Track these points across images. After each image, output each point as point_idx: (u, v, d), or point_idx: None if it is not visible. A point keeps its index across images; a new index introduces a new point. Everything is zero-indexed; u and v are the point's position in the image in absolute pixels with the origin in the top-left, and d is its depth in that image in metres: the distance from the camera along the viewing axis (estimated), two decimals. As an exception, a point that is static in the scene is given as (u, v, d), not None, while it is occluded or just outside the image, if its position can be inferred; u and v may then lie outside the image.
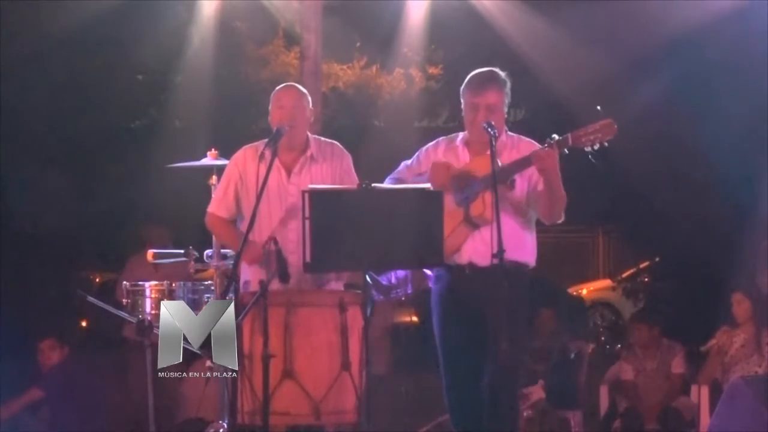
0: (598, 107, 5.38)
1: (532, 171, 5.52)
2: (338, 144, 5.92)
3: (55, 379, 8.30)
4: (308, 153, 5.78)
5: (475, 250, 5.54)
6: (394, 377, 9.33)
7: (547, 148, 5.39)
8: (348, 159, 5.86)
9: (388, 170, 5.88)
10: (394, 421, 8.12)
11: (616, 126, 5.34)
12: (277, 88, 5.94)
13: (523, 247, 5.63)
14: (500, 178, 5.39)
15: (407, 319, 10.70)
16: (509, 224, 5.51)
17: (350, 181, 5.72)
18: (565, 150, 5.38)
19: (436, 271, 5.76)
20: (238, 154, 5.88)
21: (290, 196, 5.70)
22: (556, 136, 5.41)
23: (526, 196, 5.61)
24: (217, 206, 5.86)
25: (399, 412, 8.52)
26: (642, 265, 15.76)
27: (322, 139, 5.94)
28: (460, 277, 5.60)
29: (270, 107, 5.84)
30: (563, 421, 8.58)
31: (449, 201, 5.54)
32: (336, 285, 5.75)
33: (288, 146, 5.72)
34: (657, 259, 15.21)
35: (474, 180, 5.55)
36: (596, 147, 5.37)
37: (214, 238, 6.15)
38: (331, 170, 5.79)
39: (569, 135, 5.38)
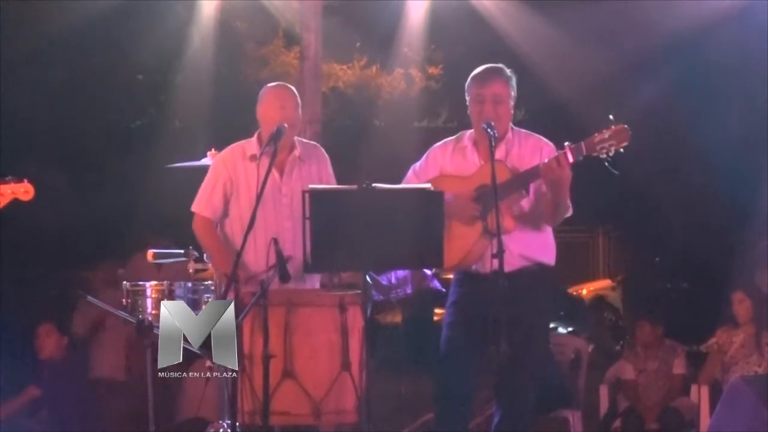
0: (611, 116, 5.30)
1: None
2: (319, 146, 5.98)
3: (52, 376, 8.28)
4: (296, 153, 5.81)
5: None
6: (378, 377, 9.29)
7: (558, 159, 5.28)
8: (329, 162, 5.91)
9: (388, 170, 5.87)
10: (378, 421, 8.09)
11: (630, 131, 5.26)
12: (273, 85, 5.96)
13: (545, 248, 5.63)
14: (513, 189, 5.37)
15: (391, 319, 10.67)
16: (530, 229, 5.53)
17: (332, 183, 5.78)
18: (580, 157, 5.28)
19: (458, 275, 5.70)
20: (226, 154, 5.87)
21: (283, 196, 5.72)
22: (568, 144, 5.33)
23: (535, 196, 5.56)
24: (203, 206, 5.83)
25: (383, 412, 8.49)
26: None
27: (303, 140, 5.99)
28: (486, 284, 5.41)
29: (264, 103, 5.83)
30: (560, 421, 8.53)
31: (468, 213, 5.51)
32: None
33: (281, 147, 5.71)
34: (657, 259, 15.21)
35: (486, 190, 5.46)
36: (611, 154, 5.28)
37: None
38: (317, 171, 5.84)
39: (582, 144, 5.29)
